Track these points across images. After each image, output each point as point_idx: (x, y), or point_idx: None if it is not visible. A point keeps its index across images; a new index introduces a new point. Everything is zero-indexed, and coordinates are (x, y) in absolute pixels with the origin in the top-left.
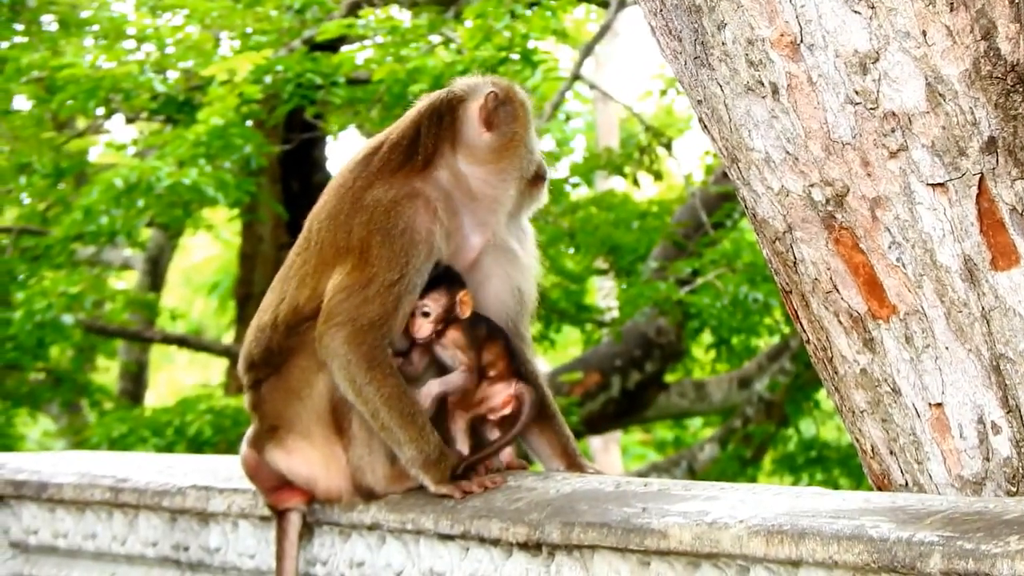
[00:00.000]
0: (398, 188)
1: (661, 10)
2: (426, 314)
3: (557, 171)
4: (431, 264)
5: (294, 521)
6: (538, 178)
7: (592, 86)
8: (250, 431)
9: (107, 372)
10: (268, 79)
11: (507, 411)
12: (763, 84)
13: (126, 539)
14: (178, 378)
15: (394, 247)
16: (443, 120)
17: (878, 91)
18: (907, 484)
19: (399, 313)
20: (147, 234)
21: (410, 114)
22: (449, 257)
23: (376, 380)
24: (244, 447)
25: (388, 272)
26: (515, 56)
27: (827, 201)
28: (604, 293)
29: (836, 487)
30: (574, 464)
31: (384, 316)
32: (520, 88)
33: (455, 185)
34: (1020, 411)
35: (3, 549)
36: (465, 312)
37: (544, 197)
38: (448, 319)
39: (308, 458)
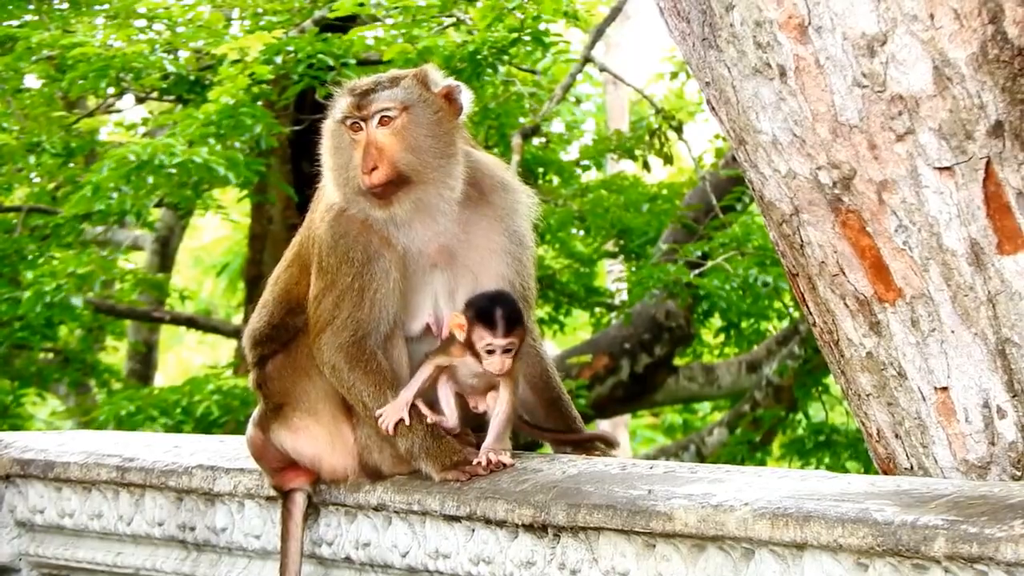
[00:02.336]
0: (329, 197)
1: None
2: (508, 351)
3: (567, 153)
4: (388, 259)
5: (299, 501)
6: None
7: (603, 69)
8: (256, 411)
9: (116, 352)
10: (279, 59)
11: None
12: (771, 66)
13: (132, 519)
14: (187, 359)
15: (337, 255)
16: None
17: (885, 74)
18: (912, 468)
19: (366, 305)
20: (157, 214)
21: None
22: (415, 249)
23: (359, 378)
24: (250, 427)
25: (342, 276)
26: (526, 37)
27: (834, 184)
28: (614, 276)
29: (844, 471)
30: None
31: (353, 312)
32: (336, 101)
33: None
34: None
35: (9, 528)
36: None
37: (375, 206)
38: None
39: (314, 436)
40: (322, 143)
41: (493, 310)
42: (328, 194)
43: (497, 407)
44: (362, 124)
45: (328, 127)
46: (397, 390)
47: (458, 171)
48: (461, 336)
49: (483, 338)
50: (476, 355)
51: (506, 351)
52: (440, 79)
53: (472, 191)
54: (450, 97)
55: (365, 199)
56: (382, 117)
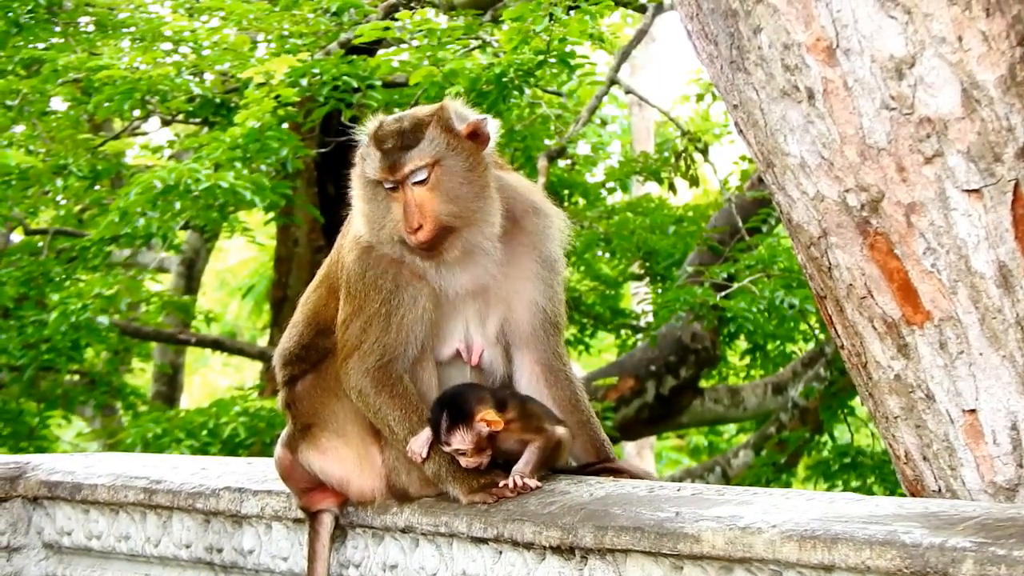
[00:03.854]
0: (356, 232)
1: (697, 14)
2: (463, 453)
3: (593, 175)
4: (418, 286)
5: (326, 523)
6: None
7: (628, 91)
8: (284, 432)
9: (142, 375)
10: (305, 82)
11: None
12: (799, 89)
13: (160, 541)
14: (212, 381)
15: (365, 281)
16: None
17: (914, 96)
18: (940, 490)
19: (392, 330)
20: (183, 237)
21: None
22: (445, 279)
23: (385, 403)
24: (278, 448)
25: (370, 302)
26: (552, 60)
27: (862, 206)
28: (639, 298)
29: (871, 494)
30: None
31: (381, 337)
32: (367, 156)
33: None
34: None
35: (37, 550)
36: (497, 427)
37: (419, 257)
38: (489, 437)
39: (342, 457)
40: (353, 188)
41: (436, 417)
42: (358, 232)
43: (531, 445)
44: (398, 186)
45: (358, 176)
46: (423, 415)
47: (496, 207)
48: None
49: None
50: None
51: (461, 454)
52: (464, 113)
53: (505, 219)
54: (476, 134)
55: (410, 251)
56: (416, 181)
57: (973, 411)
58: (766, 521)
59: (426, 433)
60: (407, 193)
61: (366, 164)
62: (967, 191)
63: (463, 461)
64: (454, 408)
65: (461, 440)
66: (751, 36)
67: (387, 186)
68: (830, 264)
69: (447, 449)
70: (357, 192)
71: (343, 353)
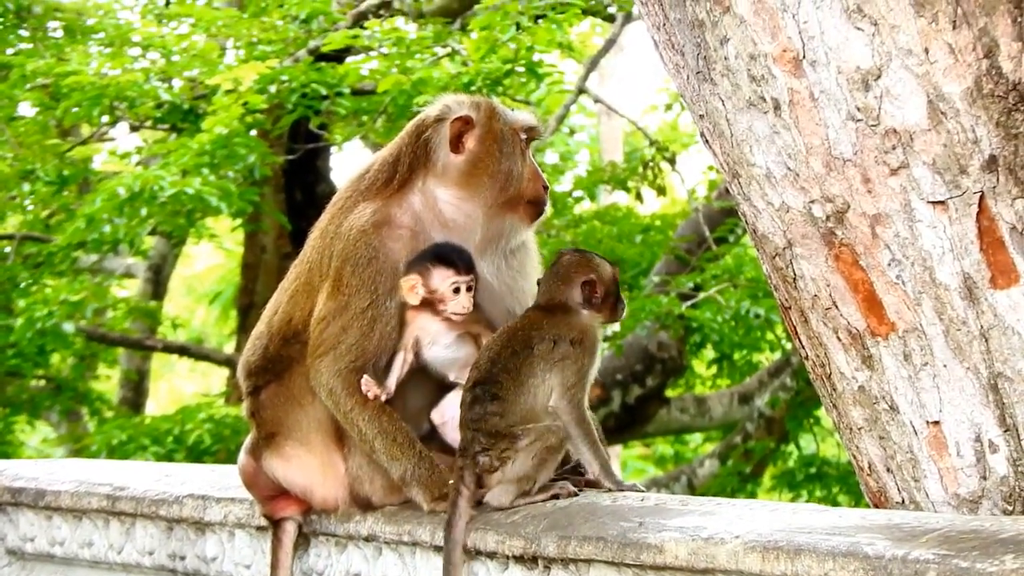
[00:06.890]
0: (371, 215)
1: (664, 24)
2: (470, 288)
3: (561, 184)
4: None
5: (289, 530)
6: (523, 203)
7: (597, 100)
8: (248, 439)
9: (108, 380)
10: (273, 89)
11: None
12: (765, 100)
13: (123, 547)
14: (179, 387)
15: (363, 276)
16: (420, 141)
17: (880, 108)
18: (904, 502)
19: (375, 336)
20: (150, 242)
21: (402, 132)
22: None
23: (358, 403)
24: (242, 455)
25: (359, 300)
26: (520, 69)
27: (827, 217)
28: None
29: (835, 504)
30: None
31: (360, 341)
32: (506, 112)
33: (427, 208)
34: (1018, 430)
35: (0, 556)
36: None
37: (526, 222)
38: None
39: (305, 465)
40: (482, 142)
41: (448, 251)
42: (445, 196)
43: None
44: (528, 144)
45: (499, 131)
46: (393, 416)
47: None
48: (417, 297)
49: (447, 279)
50: (437, 311)
51: (469, 288)
52: None
53: None
54: None
55: (520, 210)
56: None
57: (937, 423)
58: (729, 532)
59: (384, 387)
60: (529, 155)
61: (507, 118)
62: (932, 203)
63: (464, 299)
64: (462, 247)
65: (476, 273)
66: (718, 46)
67: (524, 137)
68: (795, 275)
69: (465, 279)
70: (495, 148)
71: (317, 351)
